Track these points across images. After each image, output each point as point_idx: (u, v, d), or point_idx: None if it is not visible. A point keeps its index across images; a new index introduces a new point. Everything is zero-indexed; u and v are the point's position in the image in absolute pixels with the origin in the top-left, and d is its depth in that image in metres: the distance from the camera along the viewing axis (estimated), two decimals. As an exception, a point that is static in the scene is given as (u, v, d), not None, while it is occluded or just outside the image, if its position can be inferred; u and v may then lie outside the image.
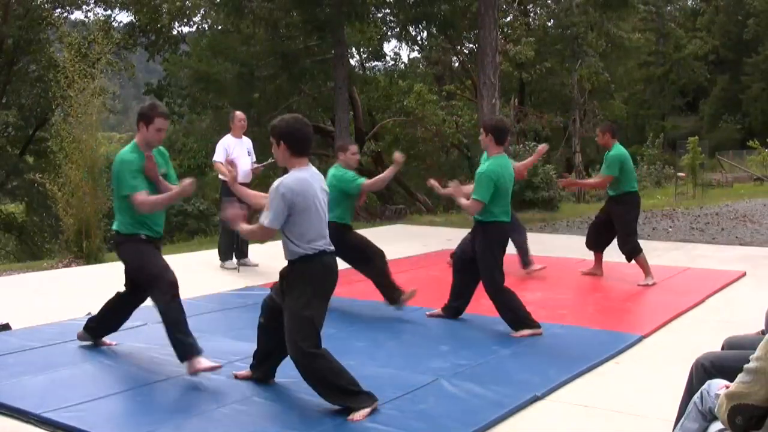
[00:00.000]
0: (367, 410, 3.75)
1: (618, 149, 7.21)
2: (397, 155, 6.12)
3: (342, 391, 3.80)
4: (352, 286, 6.48)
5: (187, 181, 4.49)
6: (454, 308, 5.88)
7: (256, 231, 3.91)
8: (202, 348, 4.39)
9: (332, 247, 3.93)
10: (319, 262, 3.85)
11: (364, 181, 6.11)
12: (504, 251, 5.56)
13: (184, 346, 4.35)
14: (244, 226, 3.99)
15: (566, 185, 7.34)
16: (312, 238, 3.82)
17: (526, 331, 5.33)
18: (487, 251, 5.43)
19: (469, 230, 5.72)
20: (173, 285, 4.43)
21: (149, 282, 4.47)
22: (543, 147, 7.35)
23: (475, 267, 5.54)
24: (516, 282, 7.44)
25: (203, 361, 4.33)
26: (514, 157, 17.35)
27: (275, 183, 3.80)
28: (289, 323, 3.83)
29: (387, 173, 6.18)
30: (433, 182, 6.26)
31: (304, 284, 3.84)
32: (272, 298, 4.12)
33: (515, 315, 5.41)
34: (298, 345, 3.79)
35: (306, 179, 3.83)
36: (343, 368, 3.86)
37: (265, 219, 3.81)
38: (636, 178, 7.43)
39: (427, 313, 5.95)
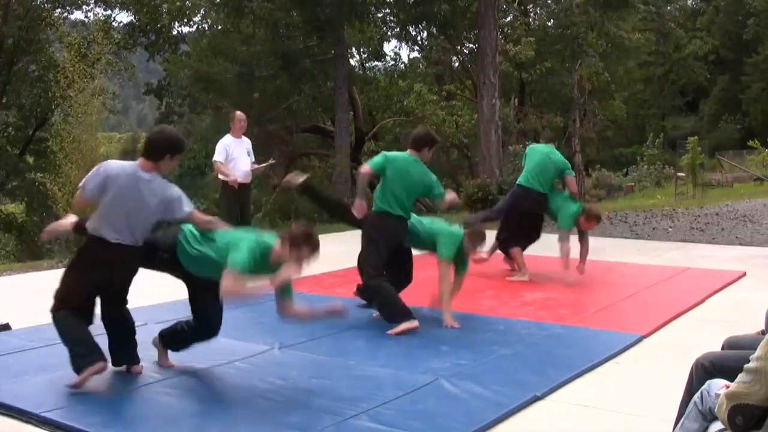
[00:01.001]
0: None
1: None
2: None
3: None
4: (351, 286, 6.48)
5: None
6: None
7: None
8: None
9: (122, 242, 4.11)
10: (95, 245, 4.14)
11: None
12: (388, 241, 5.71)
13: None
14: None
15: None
16: (98, 226, 4.11)
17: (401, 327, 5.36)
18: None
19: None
20: None
21: None
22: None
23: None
24: (516, 282, 7.46)
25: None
26: (513, 157, 17.46)
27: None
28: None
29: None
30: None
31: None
32: None
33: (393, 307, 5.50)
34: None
35: (123, 167, 4.18)
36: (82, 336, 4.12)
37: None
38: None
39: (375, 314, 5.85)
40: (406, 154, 5.78)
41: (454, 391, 4.13)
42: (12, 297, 6.92)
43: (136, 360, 4.43)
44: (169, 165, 4.29)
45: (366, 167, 5.91)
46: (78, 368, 4.05)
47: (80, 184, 4.23)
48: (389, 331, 5.34)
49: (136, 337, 4.51)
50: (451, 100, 26.45)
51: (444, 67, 28.84)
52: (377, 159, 5.83)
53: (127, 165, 4.23)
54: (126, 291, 4.39)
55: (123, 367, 4.43)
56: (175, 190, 4.26)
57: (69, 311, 4.13)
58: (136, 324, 4.56)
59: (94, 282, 4.19)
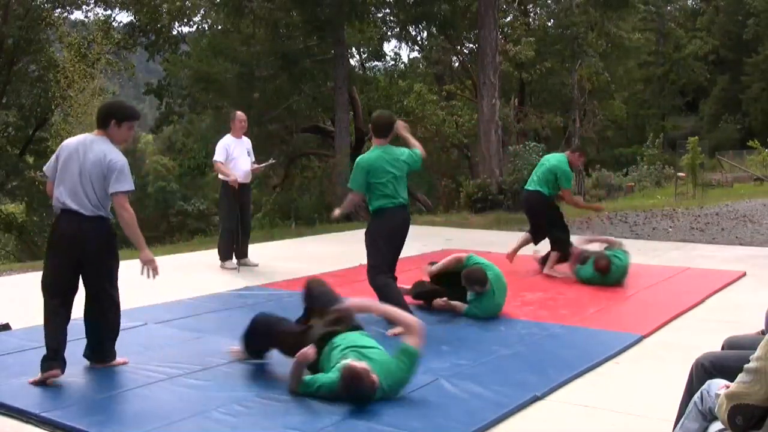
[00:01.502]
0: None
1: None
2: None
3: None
4: (352, 286, 6.48)
5: None
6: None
7: None
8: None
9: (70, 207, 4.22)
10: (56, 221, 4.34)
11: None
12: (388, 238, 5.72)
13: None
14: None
15: None
16: (57, 194, 4.28)
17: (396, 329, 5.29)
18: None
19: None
20: None
21: None
22: None
23: None
24: (516, 281, 7.45)
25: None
26: (514, 157, 17.49)
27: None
28: None
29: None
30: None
31: None
32: None
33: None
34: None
35: (75, 137, 4.44)
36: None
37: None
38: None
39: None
40: (375, 151, 5.70)
41: (454, 391, 4.13)
42: (12, 297, 6.91)
43: (92, 357, 4.49)
44: (119, 133, 4.38)
45: (355, 195, 5.79)
46: (41, 369, 4.19)
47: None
48: (389, 332, 5.33)
49: (135, 336, 4.51)
50: (451, 100, 26.45)
51: (444, 67, 28.82)
52: (358, 177, 5.62)
53: (80, 135, 4.49)
54: (97, 265, 4.33)
55: (121, 364, 4.46)
56: (121, 161, 4.27)
57: (52, 306, 4.24)
58: (137, 324, 4.56)
59: (64, 255, 4.25)
